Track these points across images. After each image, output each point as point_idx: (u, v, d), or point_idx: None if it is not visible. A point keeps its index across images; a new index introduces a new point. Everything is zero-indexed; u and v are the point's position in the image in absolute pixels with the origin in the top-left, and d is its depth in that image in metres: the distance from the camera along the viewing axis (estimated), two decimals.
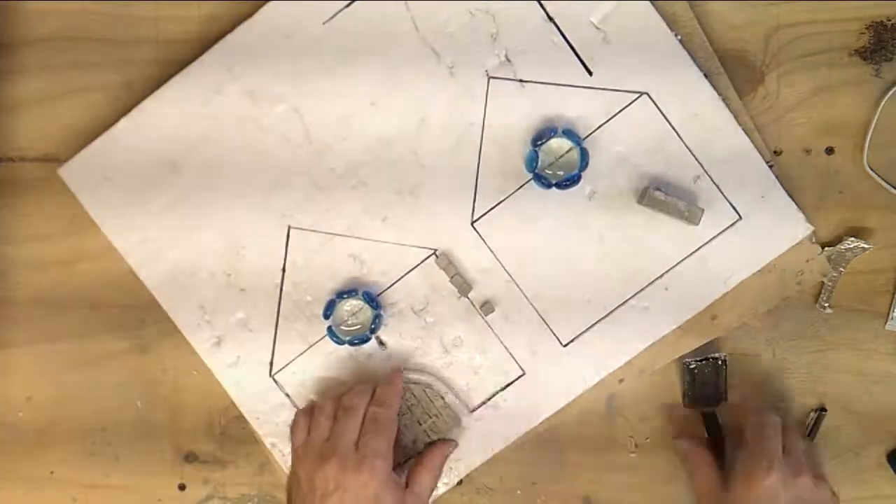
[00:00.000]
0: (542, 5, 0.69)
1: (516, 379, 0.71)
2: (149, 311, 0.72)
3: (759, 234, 0.70)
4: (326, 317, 0.70)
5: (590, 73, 0.69)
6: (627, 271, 0.70)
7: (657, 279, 0.70)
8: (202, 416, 0.73)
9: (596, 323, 0.70)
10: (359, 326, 0.70)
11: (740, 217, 0.70)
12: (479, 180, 0.70)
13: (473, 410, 0.71)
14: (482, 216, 0.70)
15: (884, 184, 0.71)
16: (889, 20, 0.70)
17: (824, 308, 0.71)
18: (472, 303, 0.71)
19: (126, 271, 0.72)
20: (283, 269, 0.71)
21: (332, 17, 0.69)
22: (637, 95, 0.69)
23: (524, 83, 0.69)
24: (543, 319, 0.71)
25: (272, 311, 0.71)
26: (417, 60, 0.69)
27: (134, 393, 0.73)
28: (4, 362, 0.73)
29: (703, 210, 0.68)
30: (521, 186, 0.70)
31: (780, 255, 0.70)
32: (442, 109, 0.70)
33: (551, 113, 0.69)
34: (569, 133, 0.68)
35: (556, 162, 0.69)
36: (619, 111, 0.69)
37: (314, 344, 0.72)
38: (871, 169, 0.70)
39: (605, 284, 0.70)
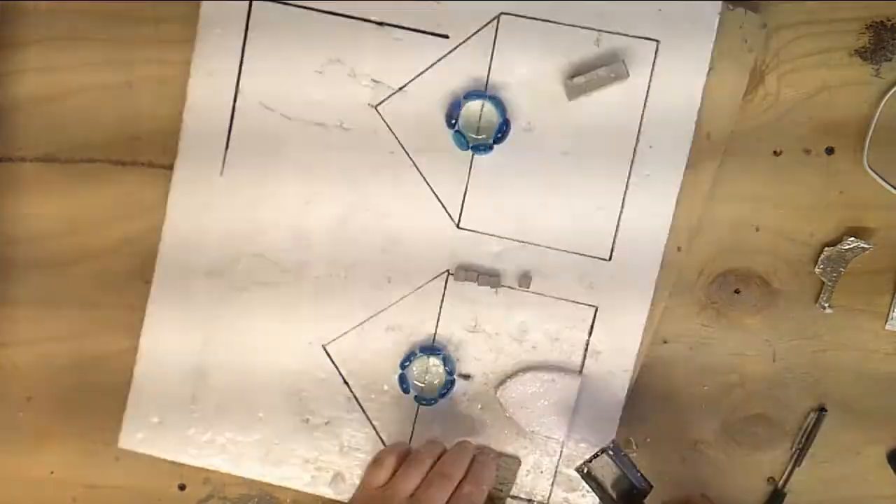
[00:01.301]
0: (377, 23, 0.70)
1: (595, 316, 0.71)
2: None
3: (685, 40, 0.69)
4: (406, 391, 0.71)
5: (445, 36, 0.69)
6: (608, 159, 0.70)
7: (637, 145, 0.69)
8: None
9: (619, 219, 0.70)
10: (437, 379, 0.71)
11: (657, 40, 0.69)
12: (435, 189, 0.71)
13: (580, 371, 0.71)
14: (461, 214, 0.71)
15: (884, 184, 0.71)
16: (889, 20, 0.70)
17: (824, 308, 0.71)
18: (510, 287, 0.71)
19: (126, 271, 0.72)
20: (346, 383, 0.72)
21: (223, 167, 0.71)
22: (495, 20, 0.69)
23: (404, 89, 0.70)
24: (577, 253, 0.70)
25: (363, 420, 0.72)
26: (312, 141, 0.70)
27: None
28: (4, 362, 0.73)
29: (623, 61, 0.68)
30: (470, 167, 0.70)
31: (714, 41, 0.69)
32: (361, 161, 0.70)
33: (444, 91, 0.70)
34: (471, 95, 0.69)
35: (479, 125, 0.69)
36: (493, 44, 0.69)
37: (416, 419, 0.72)
38: (871, 169, 0.70)
39: (600, 183, 0.70)
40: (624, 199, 0.70)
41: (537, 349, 0.71)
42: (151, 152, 0.72)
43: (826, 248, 0.71)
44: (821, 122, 0.71)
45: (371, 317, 0.71)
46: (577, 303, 0.71)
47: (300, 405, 0.72)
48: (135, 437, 0.72)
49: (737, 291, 0.72)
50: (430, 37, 0.70)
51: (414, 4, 0.69)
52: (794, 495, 0.73)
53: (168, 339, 0.72)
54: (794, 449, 0.73)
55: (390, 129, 0.70)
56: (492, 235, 0.71)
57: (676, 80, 0.69)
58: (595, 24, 0.69)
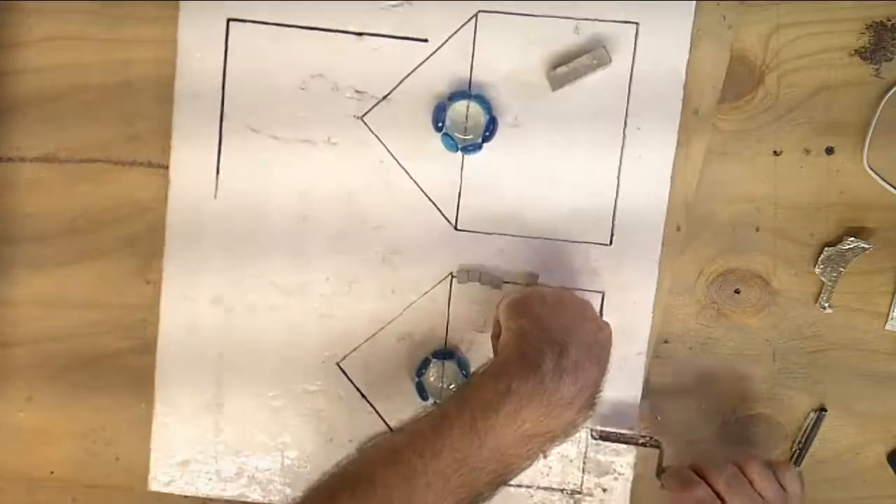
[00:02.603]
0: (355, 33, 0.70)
1: (602, 302, 0.71)
2: (149, 311, 0.72)
3: (664, 21, 0.69)
4: (424, 398, 0.71)
5: (424, 40, 0.69)
6: (598, 146, 0.70)
7: (625, 128, 0.70)
8: None
9: (616, 203, 0.70)
10: (454, 381, 0.71)
11: (637, 22, 0.69)
12: (428, 194, 0.71)
13: None
14: (457, 217, 0.71)
15: (884, 184, 0.71)
16: (889, 20, 0.70)
17: (824, 308, 0.71)
18: (515, 283, 0.71)
19: (126, 271, 0.72)
20: (364, 397, 0.72)
21: (217, 189, 0.71)
22: (473, 19, 0.69)
23: (388, 97, 0.70)
24: (577, 241, 0.71)
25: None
26: (302, 156, 0.70)
27: (134, 393, 0.73)
28: (4, 362, 0.73)
29: (604, 46, 0.68)
30: (462, 168, 0.70)
31: (693, 20, 0.69)
32: (352, 174, 0.71)
33: (429, 94, 0.70)
34: (455, 96, 0.69)
35: (467, 125, 0.69)
36: (473, 43, 0.69)
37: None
38: (871, 169, 0.70)
39: (592, 170, 0.70)
40: (618, 182, 0.70)
41: None
42: (151, 152, 0.72)
43: (826, 248, 0.71)
44: (821, 122, 0.71)
45: (381, 329, 0.72)
46: (584, 290, 0.71)
47: (323, 425, 0.72)
48: (163, 480, 0.72)
49: (737, 291, 0.72)
50: (409, 42, 0.70)
51: (390, 11, 0.69)
52: None
53: (182, 377, 0.72)
54: (794, 449, 0.73)
55: (378, 138, 0.70)
56: (491, 234, 0.71)
57: (659, 60, 0.69)
58: (573, 13, 0.69)
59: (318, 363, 0.72)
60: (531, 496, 0.72)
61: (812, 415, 0.73)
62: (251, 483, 0.72)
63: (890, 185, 0.70)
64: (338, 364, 0.72)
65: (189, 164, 0.71)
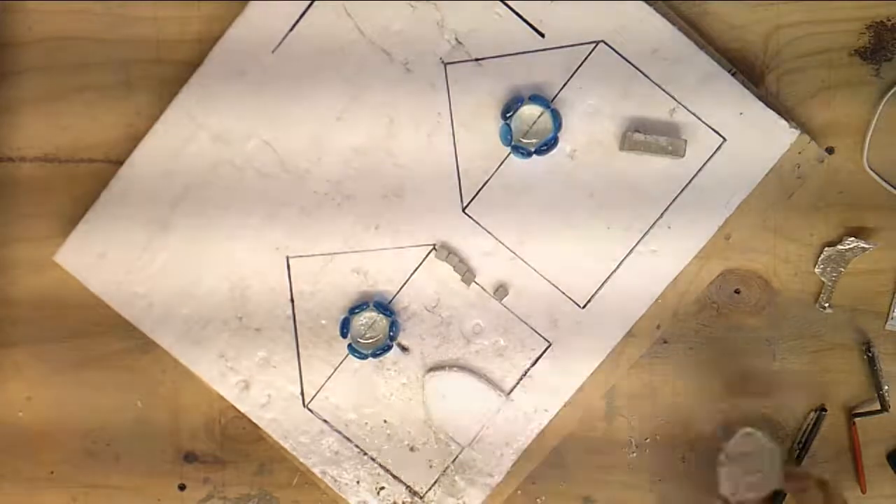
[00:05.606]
0: None
1: (544, 351, 0.71)
2: None
3: (748, 150, 0.69)
4: (344, 335, 0.70)
5: (542, 35, 0.69)
6: (626, 220, 0.70)
7: (658, 220, 0.70)
8: (202, 416, 0.73)
9: (608, 277, 0.70)
10: (377, 337, 0.70)
11: (724, 139, 0.69)
12: (459, 166, 0.70)
13: (509, 393, 0.71)
14: (471, 200, 0.71)
15: (884, 184, 0.71)
16: (889, 20, 0.70)
17: (824, 308, 0.71)
18: (483, 289, 0.71)
19: None
20: (292, 300, 0.71)
21: (279, 44, 0.69)
22: (593, 45, 0.69)
23: (480, 61, 0.70)
24: (556, 287, 0.71)
25: (291, 343, 0.72)
26: (372, 65, 0.70)
27: (134, 393, 0.73)
28: (4, 362, 0.73)
29: (685, 140, 0.68)
30: (502, 162, 0.70)
31: (773, 161, 0.69)
32: (407, 107, 0.70)
33: (514, 83, 0.70)
34: (536, 98, 0.68)
35: (530, 130, 0.69)
36: (580, 65, 0.69)
37: (339, 365, 0.72)
38: (871, 169, 0.70)
39: (609, 238, 0.70)
40: (622, 262, 0.70)
41: (480, 355, 0.71)
42: None
43: (826, 248, 0.71)
44: (821, 122, 0.71)
45: (344, 252, 0.71)
46: (536, 331, 0.71)
47: (240, 301, 0.71)
48: (71, 257, 0.71)
49: (737, 291, 0.72)
50: (528, 27, 0.69)
51: None
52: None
53: (142, 184, 0.70)
54: (793, 449, 0.73)
55: (449, 91, 0.70)
56: (489, 234, 0.71)
57: (723, 180, 0.69)
58: (678, 95, 0.69)
59: (272, 247, 0.71)
60: (378, 474, 0.72)
61: (812, 415, 0.73)
62: (147, 310, 0.71)
63: (890, 185, 0.71)
64: (287, 257, 0.71)
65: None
